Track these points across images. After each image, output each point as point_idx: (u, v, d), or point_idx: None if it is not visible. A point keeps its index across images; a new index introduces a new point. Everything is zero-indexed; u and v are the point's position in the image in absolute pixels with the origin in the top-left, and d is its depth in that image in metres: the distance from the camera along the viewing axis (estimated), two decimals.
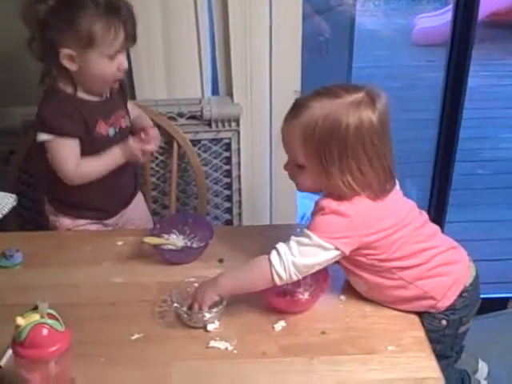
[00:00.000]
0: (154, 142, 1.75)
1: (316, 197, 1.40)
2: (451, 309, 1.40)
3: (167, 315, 1.42)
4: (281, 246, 1.33)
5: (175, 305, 1.38)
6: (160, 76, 2.07)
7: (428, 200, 2.44)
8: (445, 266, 1.40)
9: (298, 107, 1.35)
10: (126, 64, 1.65)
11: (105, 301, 1.47)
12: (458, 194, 2.58)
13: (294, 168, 1.39)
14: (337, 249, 1.31)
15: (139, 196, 1.97)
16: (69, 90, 1.65)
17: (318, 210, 1.34)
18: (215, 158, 2.18)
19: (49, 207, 1.83)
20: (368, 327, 1.37)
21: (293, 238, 1.34)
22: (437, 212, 2.41)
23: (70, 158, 1.65)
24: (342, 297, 1.46)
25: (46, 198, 1.84)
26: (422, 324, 1.38)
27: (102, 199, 1.80)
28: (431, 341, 1.35)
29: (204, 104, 2.09)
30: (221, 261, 1.59)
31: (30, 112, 1.98)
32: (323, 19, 3.89)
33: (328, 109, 1.29)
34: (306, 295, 1.43)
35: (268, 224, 2.22)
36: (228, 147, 2.16)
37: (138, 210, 1.95)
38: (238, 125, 2.12)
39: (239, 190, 2.23)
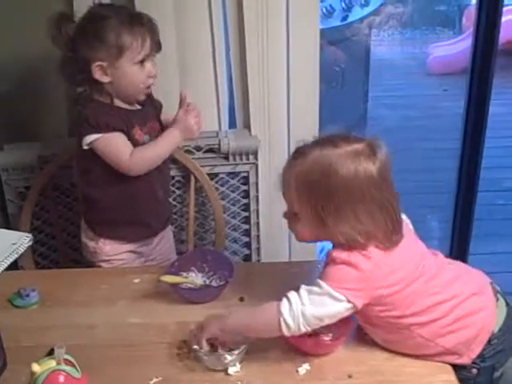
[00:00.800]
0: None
1: None
2: (480, 357, 1.32)
3: (186, 357, 1.36)
4: (291, 294, 1.28)
5: (195, 347, 1.33)
6: (176, 109, 2.05)
7: (451, 231, 2.39)
8: (466, 319, 1.31)
9: (296, 154, 1.32)
10: (154, 70, 1.69)
11: (122, 342, 1.43)
12: (479, 225, 2.51)
13: (291, 216, 1.35)
14: (348, 301, 1.25)
15: (170, 229, 1.97)
16: (105, 100, 1.69)
17: (329, 260, 1.29)
18: (233, 191, 2.14)
19: (88, 232, 1.82)
20: (396, 370, 1.31)
21: (303, 286, 1.28)
22: (460, 244, 2.36)
23: (123, 148, 1.67)
24: (368, 337, 1.39)
25: (84, 222, 1.83)
26: None
27: (140, 213, 1.79)
28: None
29: (221, 137, 2.06)
30: (241, 299, 1.54)
31: (45, 147, 1.99)
32: (338, 50, 3.88)
33: (324, 158, 1.26)
34: (330, 336, 1.37)
35: (288, 261, 2.17)
36: (246, 181, 2.12)
37: (169, 243, 1.95)
38: (255, 158, 2.08)
39: (257, 223, 2.18)
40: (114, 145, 1.66)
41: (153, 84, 1.72)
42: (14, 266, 1.70)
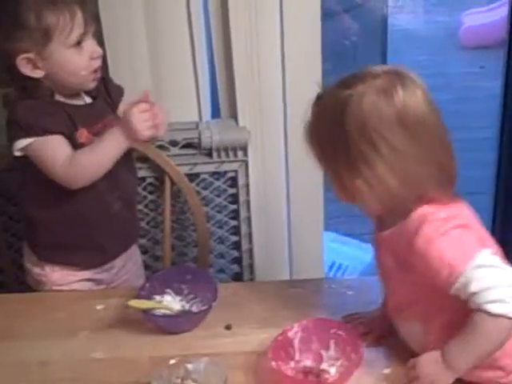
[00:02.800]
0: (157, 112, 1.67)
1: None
2: None
3: None
4: (482, 296, 1.23)
5: None
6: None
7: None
8: None
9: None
10: (98, 49, 1.66)
11: (80, 383, 1.44)
12: None
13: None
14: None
15: (136, 248, 1.97)
16: (44, 96, 1.66)
17: (434, 239, 1.26)
18: (218, 195, 2.17)
19: (31, 257, 1.82)
20: None
21: (472, 285, 1.24)
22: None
23: (60, 154, 1.63)
24: (387, 370, 1.41)
25: (27, 245, 1.83)
26: None
27: (91, 235, 1.77)
28: None
29: (202, 129, 2.09)
30: (228, 327, 1.55)
31: None
32: (350, 18, 3.91)
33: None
34: (333, 372, 1.38)
35: (287, 279, 2.19)
36: (234, 182, 2.15)
37: (136, 266, 1.95)
38: (245, 154, 2.11)
39: (249, 234, 2.21)
40: (50, 149, 1.63)
41: (99, 65, 1.67)
42: None
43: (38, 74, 1.62)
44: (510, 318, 1.24)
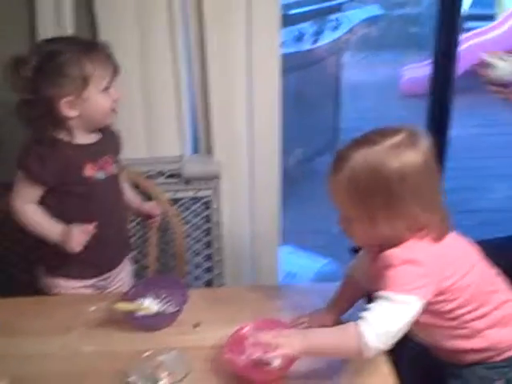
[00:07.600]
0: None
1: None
2: (506, 366, 1.35)
3: None
4: (368, 315, 1.22)
5: (129, 379, 1.32)
6: (139, 135, 2.06)
7: None
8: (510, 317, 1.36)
9: (338, 160, 1.28)
10: (119, 93, 1.67)
11: (74, 371, 1.42)
12: None
13: (345, 222, 1.32)
14: (419, 299, 1.23)
15: (128, 262, 1.94)
16: (66, 138, 1.66)
17: (386, 265, 1.25)
18: (195, 216, 2.15)
19: (39, 266, 1.82)
20: None
21: (373, 306, 1.23)
22: None
23: (22, 195, 1.66)
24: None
25: (41, 261, 1.82)
26: None
27: (90, 255, 1.73)
28: None
29: (184, 162, 2.07)
30: (196, 325, 1.54)
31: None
32: (309, 73, 3.91)
33: (368, 158, 1.23)
34: (278, 362, 1.35)
35: (247, 286, 2.17)
36: (208, 206, 2.13)
37: (128, 276, 1.93)
38: (217, 183, 2.10)
39: (219, 248, 2.19)
40: (19, 185, 1.66)
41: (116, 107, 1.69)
42: None
43: (73, 114, 1.62)
44: (361, 348, 1.21)
